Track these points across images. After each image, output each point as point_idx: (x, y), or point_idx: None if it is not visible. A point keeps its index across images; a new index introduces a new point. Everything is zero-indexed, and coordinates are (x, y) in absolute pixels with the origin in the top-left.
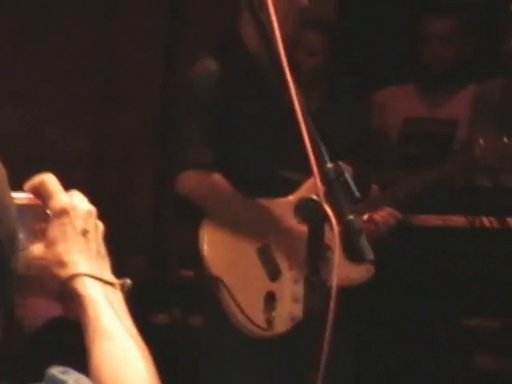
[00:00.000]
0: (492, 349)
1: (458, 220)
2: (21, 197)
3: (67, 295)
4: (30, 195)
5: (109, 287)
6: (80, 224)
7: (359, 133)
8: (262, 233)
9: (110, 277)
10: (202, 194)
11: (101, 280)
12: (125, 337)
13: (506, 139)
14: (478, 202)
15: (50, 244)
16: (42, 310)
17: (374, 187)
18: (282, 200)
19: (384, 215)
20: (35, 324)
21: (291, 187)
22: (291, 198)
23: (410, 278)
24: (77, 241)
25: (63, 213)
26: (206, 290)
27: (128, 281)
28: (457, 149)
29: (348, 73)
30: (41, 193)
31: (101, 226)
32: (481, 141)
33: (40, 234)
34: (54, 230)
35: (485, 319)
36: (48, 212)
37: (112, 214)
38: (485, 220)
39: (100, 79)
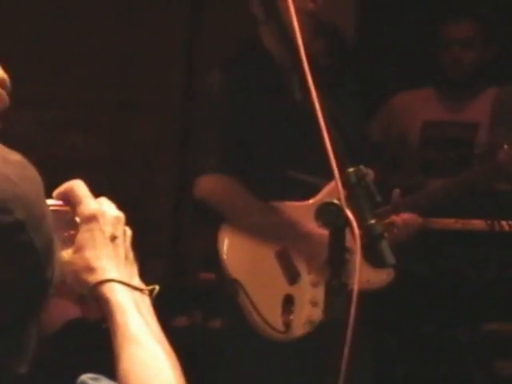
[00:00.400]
0: None
1: (478, 224)
2: (49, 203)
3: (95, 300)
4: (59, 202)
5: (137, 293)
6: (109, 230)
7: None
8: (281, 236)
9: (138, 283)
10: (218, 199)
11: (129, 286)
12: (153, 343)
13: None
14: (497, 206)
15: (78, 249)
16: (60, 311)
17: (396, 191)
18: (301, 204)
19: (406, 219)
20: (54, 325)
21: (311, 191)
22: (311, 201)
23: (430, 282)
24: (105, 247)
25: (92, 219)
26: (225, 292)
27: (156, 287)
28: (477, 152)
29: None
30: (70, 199)
31: (129, 231)
32: (505, 146)
33: (68, 241)
34: (83, 235)
35: (506, 323)
36: (76, 219)
37: (132, 218)
38: (504, 224)
39: (121, 83)
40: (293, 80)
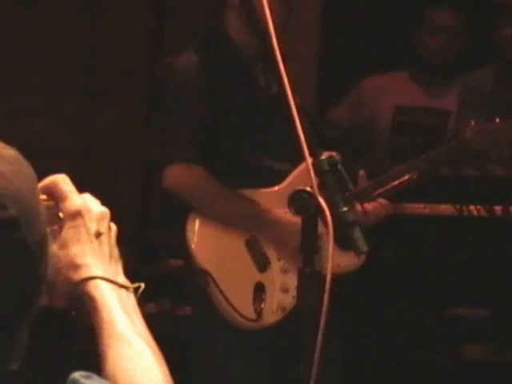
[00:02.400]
0: (480, 338)
1: (446, 209)
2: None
3: (79, 297)
4: (42, 196)
5: (123, 291)
6: (94, 226)
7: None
8: (250, 224)
9: (123, 280)
10: (187, 189)
11: (114, 283)
12: (139, 341)
13: (497, 119)
14: (465, 191)
15: (62, 246)
16: None
17: (362, 173)
18: (268, 190)
19: (375, 206)
20: None
21: (277, 177)
22: (276, 188)
23: (398, 267)
24: (90, 243)
25: (77, 215)
26: (194, 281)
27: (142, 285)
28: (446, 138)
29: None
30: (54, 194)
31: (114, 228)
32: (472, 123)
33: (51, 237)
34: (68, 232)
35: (473, 308)
36: (60, 214)
37: None
38: (472, 208)
39: (86, 71)
40: (257, 67)
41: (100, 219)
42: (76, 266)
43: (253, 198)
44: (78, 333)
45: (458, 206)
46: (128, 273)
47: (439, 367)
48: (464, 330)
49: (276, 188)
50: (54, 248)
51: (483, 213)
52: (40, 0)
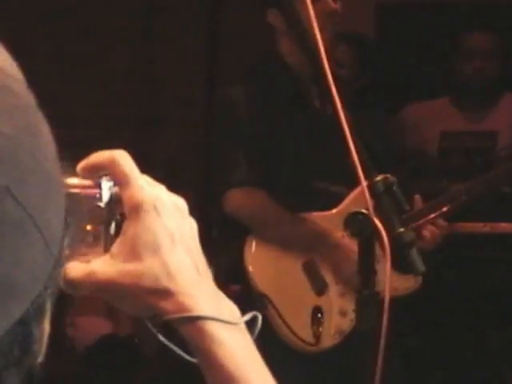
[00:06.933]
0: None
1: (506, 227)
2: (72, 183)
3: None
4: (87, 181)
5: (235, 329)
6: (173, 227)
7: (389, 146)
8: (308, 248)
9: (229, 306)
10: (249, 213)
11: (225, 322)
12: None
13: None
14: None
15: (131, 257)
16: (92, 328)
17: (417, 197)
18: (326, 214)
19: (433, 230)
20: (86, 343)
21: (333, 200)
22: (334, 211)
23: (459, 286)
24: (173, 254)
25: (150, 211)
26: (252, 306)
27: (258, 315)
28: (503, 156)
29: (376, 86)
30: (112, 178)
31: (194, 225)
32: None
33: (91, 239)
34: (138, 236)
35: None
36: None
37: None
38: None
39: (142, 100)
40: (312, 89)
41: (179, 216)
42: (159, 292)
43: (312, 222)
44: (142, 359)
45: None
46: None
47: None
48: None
49: (334, 211)
50: (109, 260)
51: None
52: (95, 30)
